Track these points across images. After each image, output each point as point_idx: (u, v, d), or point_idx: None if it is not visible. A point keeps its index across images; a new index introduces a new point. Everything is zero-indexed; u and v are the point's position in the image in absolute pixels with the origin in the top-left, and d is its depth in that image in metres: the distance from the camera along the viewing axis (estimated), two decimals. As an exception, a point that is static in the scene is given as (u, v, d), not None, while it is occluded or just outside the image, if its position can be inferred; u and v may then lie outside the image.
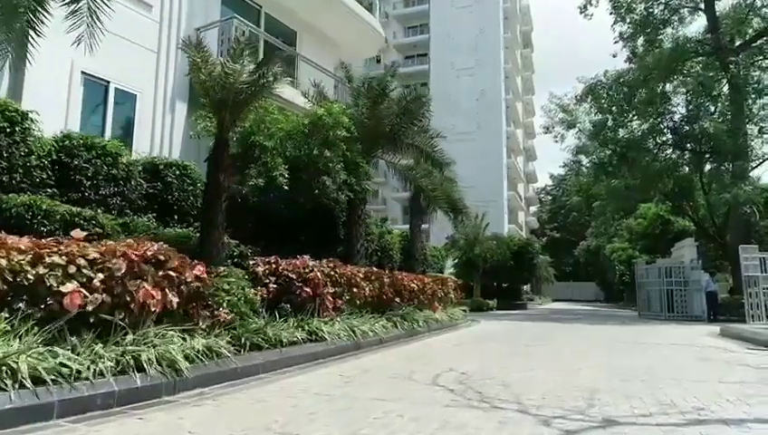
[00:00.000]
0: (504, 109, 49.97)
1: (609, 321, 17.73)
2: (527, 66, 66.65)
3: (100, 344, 3.79)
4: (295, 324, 6.53)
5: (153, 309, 4.25)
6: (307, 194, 8.46)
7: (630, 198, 25.11)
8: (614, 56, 25.77)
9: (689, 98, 20.89)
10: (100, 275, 3.89)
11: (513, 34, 55.57)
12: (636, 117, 24.61)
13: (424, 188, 11.94)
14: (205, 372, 4.53)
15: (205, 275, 4.92)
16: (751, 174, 22.61)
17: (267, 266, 7.03)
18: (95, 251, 4.00)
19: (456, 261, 28.82)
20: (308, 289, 6.87)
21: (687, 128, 21.60)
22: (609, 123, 26.80)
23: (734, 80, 19.67)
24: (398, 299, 9.60)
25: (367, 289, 8.35)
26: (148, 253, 4.44)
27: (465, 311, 14.68)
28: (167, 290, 4.40)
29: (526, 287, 51.89)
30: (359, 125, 9.21)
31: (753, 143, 22.28)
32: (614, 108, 24.65)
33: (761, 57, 22.04)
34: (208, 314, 5.10)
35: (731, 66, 19.85)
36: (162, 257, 4.51)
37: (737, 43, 22.17)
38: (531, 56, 68.68)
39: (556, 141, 31.22)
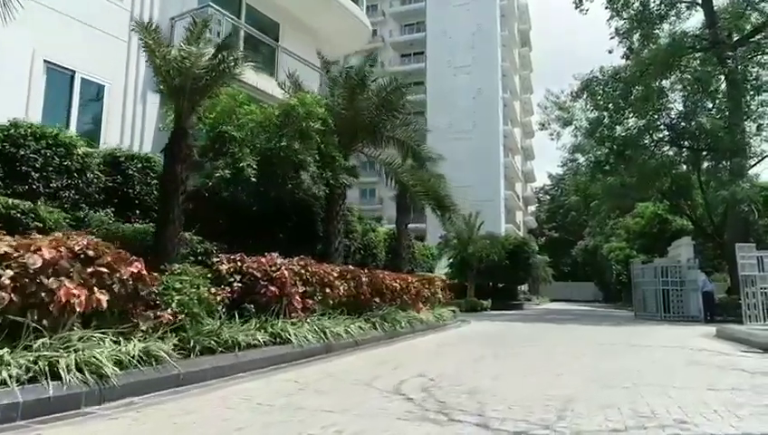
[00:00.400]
0: (501, 107, 49.55)
1: (604, 321, 17.32)
2: (525, 65, 66.25)
3: (7, 349, 3.37)
4: (257, 326, 6.11)
5: (78, 309, 3.82)
6: (281, 188, 8.03)
7: (627, 196, 24.71)
8: (610, 52, 25.33)
9: (686, 94, 20.43)
10: (10, 272, 3.47)
11: (511, 32, 55.14)
12: (632, 114, 24.19)
13: (405, 183, 11.50)
14: (140, 379, 4.10)
15: (144, 273, 4.50)
16: (749, 172, 22.22)
17: (232, 264, 6.61)
18: (6, 245, 3.57)
19: (451, 261, 28.44)
20: (274, 288, 6.45)
21: (684, 124, 21.17)
22: (606, 121, 26.43)
23: (732, 75, 19.25)
24: (377, 299, 9.18)
25: (341, 289, 7.93)
26: (76, 247, 4.02)
27: (454, 311, 14.26)
28: (95, 288, 3.98)
29: (524, 287, 51.60)
30: (336, 117, 8.79)
31: (751, 141, 21.88)
32: (610, 105, 24.26)
33: (759, 53, 21.63)
34: (151, 315, 4.68)
35: (728, 61, 19.44)
36: (92, 253, 4.09)
37: (735, 39, 21.75)
38: (529, 55, 68.27)
39: (552, 139, 30.90)
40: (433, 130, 50.42)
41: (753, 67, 22.16)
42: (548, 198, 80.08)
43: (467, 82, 49.02)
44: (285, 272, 6.64)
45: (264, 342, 5.94)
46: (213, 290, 6.03)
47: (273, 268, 6.58)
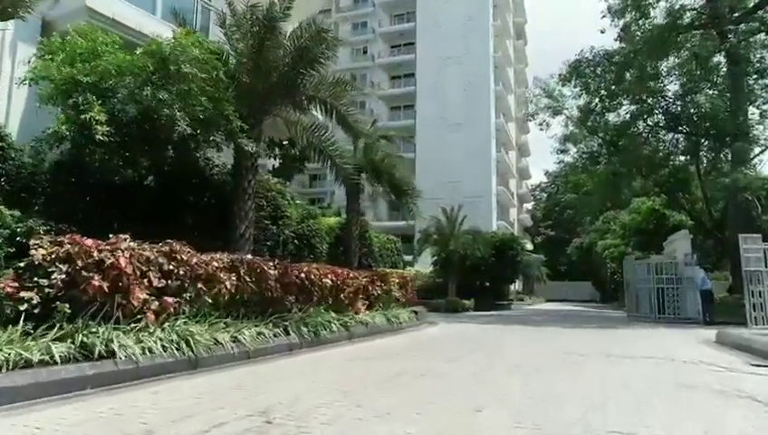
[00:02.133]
0: (492, 99, 47.71)
1: (589, 323, 15.52)
2: (520, 59, 64.36)
3: None
4: (61, 335, 4.31)
5: None
6: (154, 154, 6.22)
7: (618, 187, 22.82)
8: (602, 32, 23.44)
9: (683, 72, 18.53)
10: None
11: (504, 23, 53.31)
12: (626, 97, 22.33)
13: (332, 156, 9.60)
14: None
15: None
16: (752, 161, 20.43)
17: (56, 249, 4.81)
18: None
19: (435, 258, 26.61)
20: (98, 282, 4.64)
21: (681, 107, 19.30)
22: (597, 107, 24.71)
23: (734, 51, 17.41)
24: (292, 298, 7.37)
25: (228, 284, 6.11)
26: None
27: (416, 312, 12.44)
28: None
29: (517, 287, 49.76)
30: (241, 69, 7.00)
31: (754, 128, 20.07)
32: (602, 89, 22.47)
33: (763, 30, 19.80)
34: None
35: (730, 36, 17.60)
36: None
37: (736, 15, 19.94)
38: (524, 49, 66.42)
39: (541, 129, 29.22)
40: (422, 122, 48.93)
41: (757, 49, 20.35)
42: (544, 195, 78.29)
43: (458, 72, 47.19)
44: (122, 260, 4.83)
45: (66, 357, 4.15)
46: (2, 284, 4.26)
47: (101, 255, 4.76)
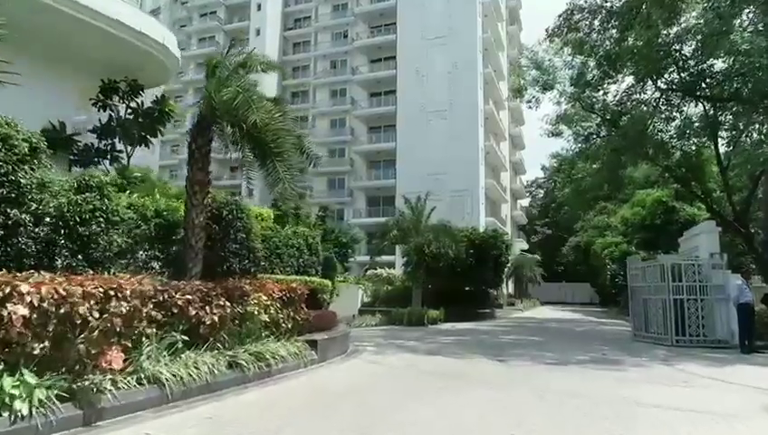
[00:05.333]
0: (480, 83, 43.30)
1: (584, 349, 11.15)
2: (514, 44, 59.92)
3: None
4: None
5: None
6: None
7: (617, 166, 18.30)
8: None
9: (707, 6, 13.97)
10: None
11: (494, 3, 48.94)
12: (630, 60, 17.85)
13: None
14: None
15: None
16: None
17: None
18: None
19: (406, 259, 22.22)
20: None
21: (700, 59, 14.79)
22: (594, 77, 20.38)
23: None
24: None
25: None
26: None
27: (314, 342, 8.10)
28: None
29: (510, 290, 45.34)
30: None
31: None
32: (599, 46, 18.08)
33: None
34: None
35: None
36: None
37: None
38: (519, 35, 61.96)
39: (530, 107, 24.91)
40: (404, 108, 44.44)
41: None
42: (541, 192, 73.97)
43: (443, 54, 42.84)
44: None
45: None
46: None
47: None
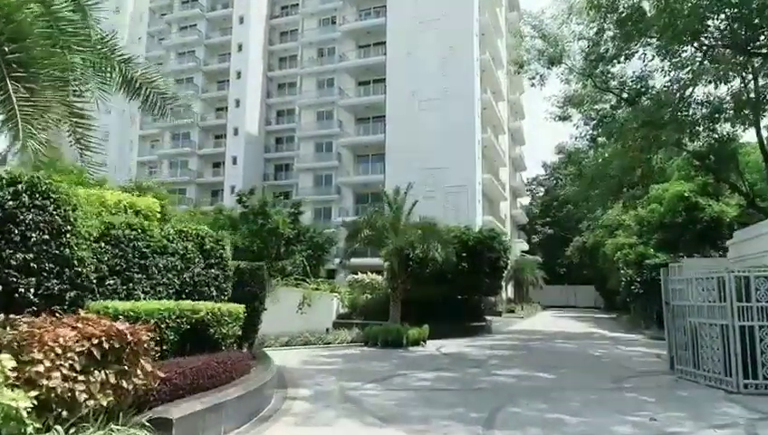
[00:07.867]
0: (477, 70, 39.70)
1: (612, 401, 7.59)
2: (513, 32, 56.33)
3: None
4: None
5: None
6: None
7: (647, 146, 14.62)
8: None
9: None
10: None
11: (493, -16, 45.41)
12: (655, 30, 14.28)
13: None
14: None
15: None
16: None
17: None
18: None
19: (386, 264, 18.63)
20: None
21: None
22: (609, 50, 17.00)
23: None
24: None
25: None
26: None
27: (142, 429, 4.54)
28: None
29: (508, 294, 41.76)
30: None
31: None
32: (619, 4, 14.60)
33: None
34: None
35: None
36: None
37: None
38: (518, 22, 58.30)
39: (533, 85, 21.47)
40: (394, 97, 40.84)
41: None
42: (542, 189, 70.26)
43: (436, 38, 39.26)
44: None
45: None
46: None
47: None
